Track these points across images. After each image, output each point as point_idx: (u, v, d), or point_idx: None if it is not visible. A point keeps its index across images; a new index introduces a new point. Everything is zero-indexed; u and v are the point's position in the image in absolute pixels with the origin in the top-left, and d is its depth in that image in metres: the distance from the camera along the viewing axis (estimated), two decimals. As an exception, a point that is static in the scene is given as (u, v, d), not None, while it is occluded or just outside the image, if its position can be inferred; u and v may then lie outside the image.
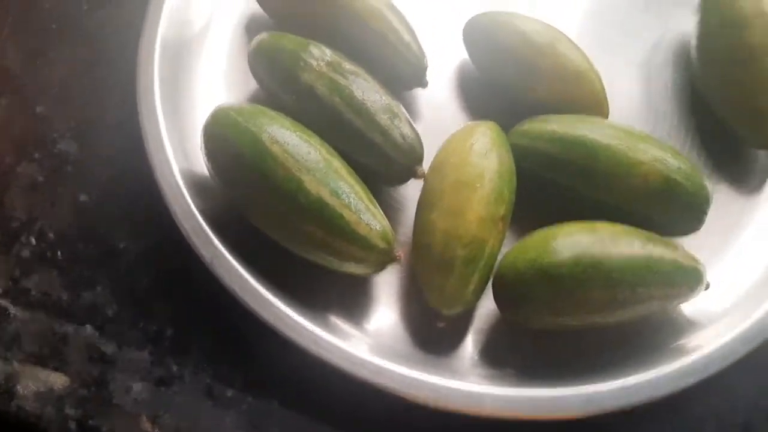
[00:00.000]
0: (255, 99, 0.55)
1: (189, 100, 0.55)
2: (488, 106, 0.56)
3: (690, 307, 0.48)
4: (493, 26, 0.54)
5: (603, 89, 0.53)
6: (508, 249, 0.47)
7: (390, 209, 0.52)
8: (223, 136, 0.46)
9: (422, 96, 0.56)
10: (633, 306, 0.44)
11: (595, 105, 0.52)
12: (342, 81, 0.49)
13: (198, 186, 0.49)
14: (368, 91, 0.49)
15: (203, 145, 0.48)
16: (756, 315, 0.48)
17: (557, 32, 0.53)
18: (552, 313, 0.44)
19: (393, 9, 0.53)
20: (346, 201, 0.45)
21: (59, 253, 0.51)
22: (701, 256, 0.50)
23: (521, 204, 0.49)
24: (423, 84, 0.54)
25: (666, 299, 0.45)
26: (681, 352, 0.46)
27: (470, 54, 0.56)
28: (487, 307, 0.48)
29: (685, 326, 0.49)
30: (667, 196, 0.47)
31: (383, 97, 0.49)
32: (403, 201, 0.52)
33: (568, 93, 0.52)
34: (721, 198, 0.53)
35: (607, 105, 0.53)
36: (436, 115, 0.56)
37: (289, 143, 0.45)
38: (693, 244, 0.48)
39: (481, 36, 0.55)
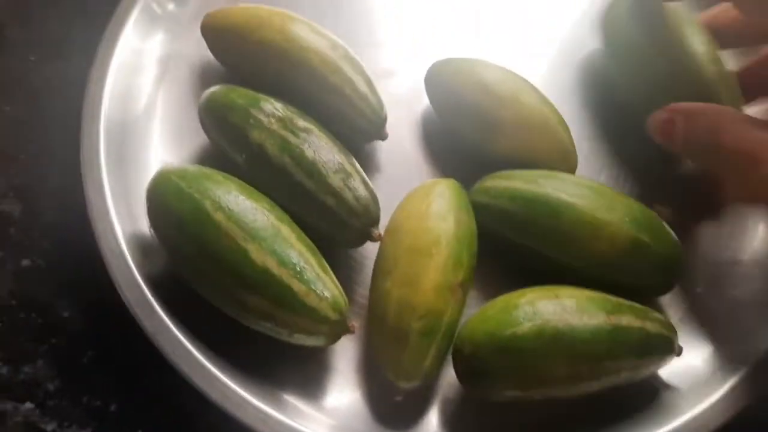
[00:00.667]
0: (208, 154, 0.53)
1: (138, 157, 0.52)
2: (451, 158, 0.53)
3: (666, 370, 0.46)
4: (455, 75, 0.52)
5: (570, 139, 0.50)
6: (469, 317, 0.44)
7: (347, 269, 0.50)
8: (165, 202, 0.44)
9: (382, 146, 0.54)
10: (599, 379, 0.42)
11: (562, 157, 0.50)
12: (293, 139, 0.46)
13: (144, 249, 0.47)
14: (320, 150, 0.46)
15: (147, 210, 0.45)
16: (737, 376, 0.46)
17: (520, 81, 0.51)
18: (514, 387, 0.42)
19: (349, 59, 0.51)
20: (295, 270, 0.42)
21: (-1, 324, 0.49)
22: (674, 312, 0.48)
23: (483, 264, 0.47)
24: (382, 137, 0.52)
25: (635, 370, 0.43)
26: (658, 419, 0.44)
27: (432, 102, 0.54)
28: (450, 375, 0.46)
29: (661, 391, 0.46)
30: (635, 258, 0.45)
31: (336, 156, 0.47)
32: (361, 260, 0.50)
33: (533, 146, 0.50)
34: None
35: (575, 156, 0.50)
36: (397, 167, 0.54)
37: (235, 209, 0.43)
38: (665, 300, 0.47)
39: (442, 86, 0.52)
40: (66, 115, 0.54)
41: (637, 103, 0.53)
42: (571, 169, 0.50)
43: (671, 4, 0.51)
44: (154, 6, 0.55)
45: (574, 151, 0.50)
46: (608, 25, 0.55)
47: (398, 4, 0.61)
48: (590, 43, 0.57)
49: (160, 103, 0.55)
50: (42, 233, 0.52)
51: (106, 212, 0.47)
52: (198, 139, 0.53)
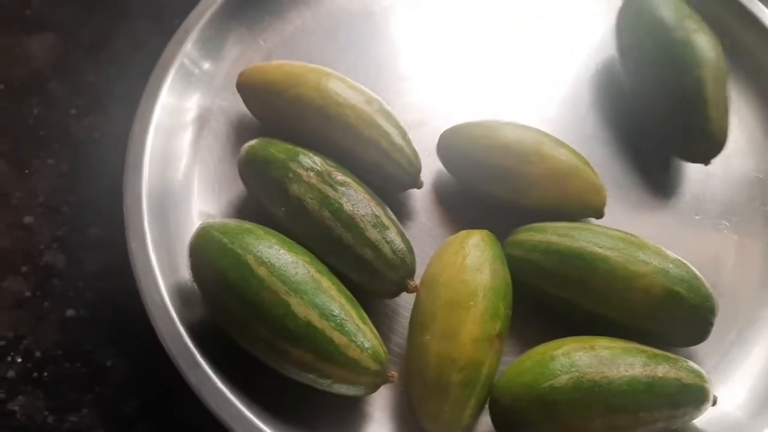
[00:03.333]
0: (246, 205, 0.54)
1: (178, 208, 0.53)
2: (483, 206, 0.54)
3: (701, 419, 0.46)
4: (469, 142, 0.52)
5: (596, 175, 0.52)
6: (506, 366, 0.45)
7: (383, 317, 0.51)
8: (208, 258, 0.45)
9: (415, 194, 0.55)
10: (635, 430, 0.42)
11: (593, 193, 0.52)
12: (331, 193, 0.48)
13: (186, 301, 0.48)
14: (358, 204, 0.48)
15: (189, 264, 0.46)
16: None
17: (537, 133, 0.52)
18: (551, 439, 0.43)
19: (384, 113, 0.52)
20: (336, 323, 0.43)
21: (45, 373, 0.50)
22: (708, 363, 0.49)
23: (519, 315, 0.48)
24: (418, 185, 0.53)
25: (670, 420, 0.43)
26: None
27: (450, 171, 0.55)
28: (487, 424, 0.46)
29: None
30: (669, 309, 0.45)
31: (373, 209, 0.48)
32: (397, 308, 0.51)
33: (564, 192, 0.51)
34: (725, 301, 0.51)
35: (604, 189, 0.52)
36: (430, 215, 0.55)
37: (276, 264, 0.44)
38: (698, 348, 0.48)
39: (458, 154, 0.53)
40: (107, 167, 0.56)
41: (650, 109, 0.56)
42: (602, 201, 0.51)
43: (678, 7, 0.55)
44: (190, 65, 0.57)
45: (602, 186, 0.52)
46: (620, 30, 0.58)
47: (423, 56, 0.63)
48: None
49: (199, 156, 0.56)
50: (85, 284, 0.53)
51: (149, 264, 0.48)
52: (236, 189, 0.54)
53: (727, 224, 0.56)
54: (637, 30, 0.57)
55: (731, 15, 0.61)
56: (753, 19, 0.61)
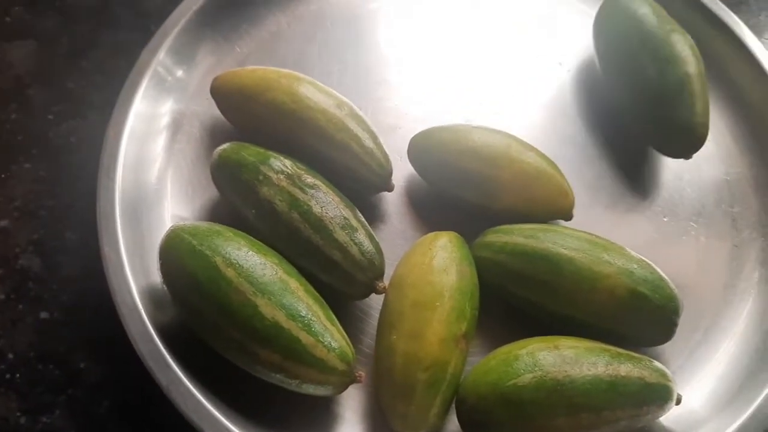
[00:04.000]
0: (219, 208, 0.55)
1: (151, 211, 0.54)
2: (453, 208, 0.55)
3: (667, 416, 0.46)
4: (439, 147, 0.53)
5: (564, 178, 0.52)
6: (472, 366, 0.46)
7: (354, 318, 0.51)
8: (177, 260, 0.46)
9: (387, 197, 0.56)
10: (599, 429, 0.43)
11: (561, 197, 0.52)
12: (301, 196, 0.48)
13: (158, 303, 0.49)
14: (327, 206, 0.48)
15: (159, 266, 0.47)
16: (738, 422, 0.47)
17: (505, 137, 0.53)
18: (516, 437, 0.43)
19: (355, 116, 0.53)
20: (303, 323, 0.44)
21: (18, 375, 0.50)
22: (674, 362, 0.50)
23: (487, 315, 0.48)
24: (389, 188, 0.54)
25: (634, 419, 0.44)
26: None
27: (421, 174, 0.55)
28: (454, 423, 0.47)
29: (660, 438, 0.47)
30: (634, 310, 0.46)
31: (342, 211, 0.48)
32: (367, 310, 0.52)
33: (532, 194, 0.52)
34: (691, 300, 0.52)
35: (572, 192, 0.52)
36: (401, 218, 0.56)
37: (244, 265, 0.45)
38: (663, 348, 0.48)
39: (429, 158, 0.54)
40: (83, 171, 0.56)
41: (630, 107, 0.57)
42: (570, 204, 0.52)
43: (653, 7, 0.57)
44: (164, 72, 0.58)
45: (570, 189, 0.52)
46: (599, 30, 0.60)
47: (399, 60, 0.63)
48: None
49: (172, 160, 0.57)
50: (60, 287, 0.53)
51: (121, 267, 0.49)
52: (209, 192, 0.55)
53: (695, 226, 0.56)
54: (617, 29, 0.58)
55: (700, 20, 0.62)
56: (721, 25, 0.62)
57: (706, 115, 0.54)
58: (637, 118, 0.57)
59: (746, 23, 0.62)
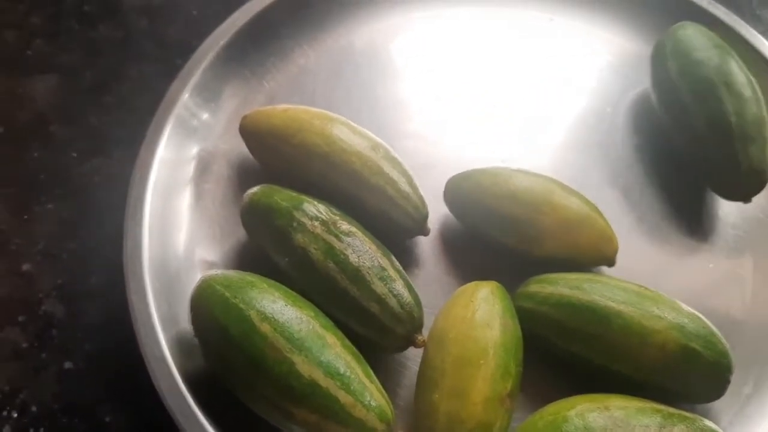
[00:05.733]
0: (248, 251, 0.53)
1: (179, 255, 0.52)
2: (493, 254, 0.53)
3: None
4: (477, 190, 0.51)
5: (607, 223, 0.51)
6: (517, 423, 0.44)
7: (390, 370, 0.49)
8: (209, 312, 0.44)
9: (425, 241, 0.54)
10: (653, 495, 0.41)
11: (605, 242, 0.50)
12: (337, 244, 0.46)
13: (187, 353, 0.47)
14: (364, 255, 0.46)
15: (190, 317, 0.45)
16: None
17: (547, 181, 0.51)
18: (565, 503, 0.41)
19: (390, 159, 0.51)
20: (341, 381, 0.42)
21: (41, 429, 0.48)
22: (724, 418, 0.48)
23: (530, 367, 0.46)
24: (425, 232, 0.52)
25: (689, 483, 0.42)
26: None
27: (457, 217, 0.54)
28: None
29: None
30: (685, 366, 0.44)
31: (380, 260, 0.47)
32: (405, 361, 0.50)
33: (576, 241, 0.50)
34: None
35: (616, 238, 0.51)
36: (437, 262, 0.54)
37: (279, 320, 0.43)
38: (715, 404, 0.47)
39: (466, 202, 0.52)
40: (108, 212, 0.55)
41: (686, 144, 0.56)
42: (614, 250, 0.50)
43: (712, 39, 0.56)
44: (190, 110, 0.56)
45: (614, 234, 0.51)
46: (658, 62, 0.58)
47: (430, 94, 0.62)
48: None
49: (200, 202, 0.55)
50: (84, 335, 0.52)
51: (149, 316, 0.47)
52: (238, 234, 0.53)
53: (741, 271, 0.54)
54: (685, 62, 0.56)
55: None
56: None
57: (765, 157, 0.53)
58: (696, 156, 0.55)
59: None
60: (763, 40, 0.61)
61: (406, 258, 0.53)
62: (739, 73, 0.54)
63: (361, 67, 0.62)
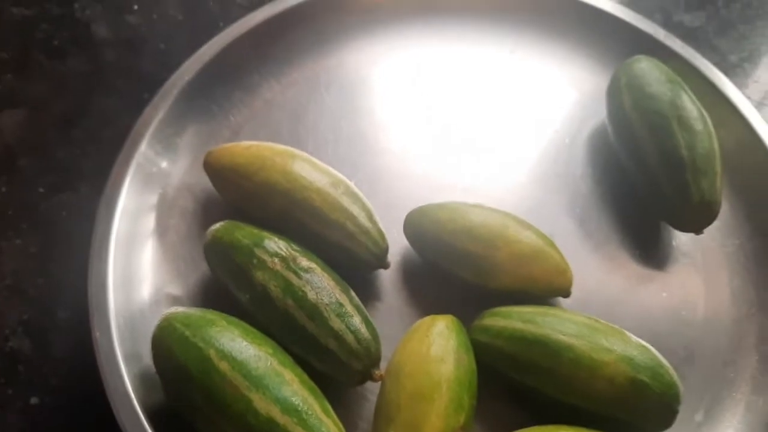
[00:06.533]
0: (213, 286, 0.54)
1: (143, 289, 0.53)
2: (451, 287, 0.54)
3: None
4: (435, 225, 0.52)
5: (561, 256, 0.52)
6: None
7: (351, 402, 0.50)
8: (170, 351, 0.45)
9: (385, 274, 0.55)
10: None
11: (559, 275, 0.51)
12: (295, 281, 0.47)
13: (150, 389, 0.48)
14: (322, 291, 0.47)
15: (152, 355, 0.46)
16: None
17: (502, 216, 0.52)
18: None
19: (351, 194, 0.52)
20: (299, 417, 0.43)
21: (6, 466, 0.49)
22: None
23: (485, 398, 0.47)
24: (385, 266, 0.53)
25: None
26: None
27: (416, 250, 0.55)
28: None
29: None
30: (634, 398, 0.45)
31: (338, 296, 0.48)
32: (364, 393, 0.51)
33: (530, 274, 0.51)
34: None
35: (570, 270, 0.52)
36: (397, 296, 0.55)
37: (238, 358, 0.44)
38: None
39: (425, 236, 0.53)
40: (75, 247, 0.55)
41: (640, 176, 0.57)
42: (568, 282, 0.51)
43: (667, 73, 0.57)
44: (153, 155, 0.57)
45: (568, 267, 0.52)
46: (614, 95, 0.59)
47: (394, 128, 0.63)
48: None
49: (165, 236, 0.56)
50: (51, 370, 0.52)
51: (113, 354, 0.48)
52: (203, 268, 0.54)
53: (692, 301, 0.56)
54: (639, 96, 0.57)
55: (698, 86, 0.61)
56: (718, 93, 0.62)
57: (721, 189, 0.54)
58: (650, 188, 0.56)
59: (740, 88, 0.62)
60: (718, 72, 0.63)
61: (367, 290, 0.54)
62: (691, 107, 0.56)
63: (326, 101, 0.63)
